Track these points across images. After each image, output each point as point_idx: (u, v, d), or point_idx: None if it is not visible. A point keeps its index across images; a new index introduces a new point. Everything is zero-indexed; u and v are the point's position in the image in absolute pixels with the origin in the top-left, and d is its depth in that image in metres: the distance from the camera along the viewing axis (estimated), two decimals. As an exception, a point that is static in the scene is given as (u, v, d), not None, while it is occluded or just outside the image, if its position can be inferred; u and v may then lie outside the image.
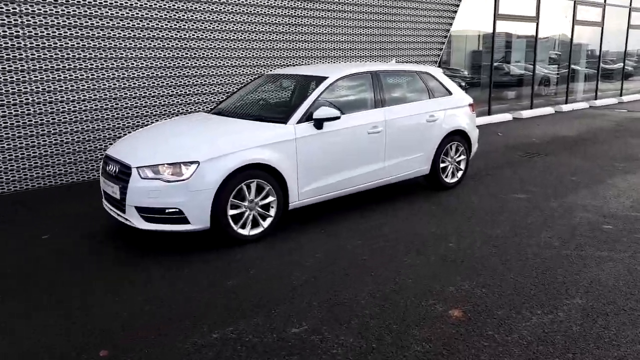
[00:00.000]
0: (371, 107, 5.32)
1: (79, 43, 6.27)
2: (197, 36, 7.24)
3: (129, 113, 6.86)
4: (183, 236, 4.51)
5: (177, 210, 4.12)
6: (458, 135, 6.11)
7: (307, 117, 4.76)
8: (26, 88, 6.00)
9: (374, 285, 3.57)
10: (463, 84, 15.74)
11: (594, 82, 16.60)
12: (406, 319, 3.11)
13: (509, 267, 3.83)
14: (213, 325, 3.08)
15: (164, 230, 4.18)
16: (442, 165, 6.01)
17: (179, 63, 7.16)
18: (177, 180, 4.10)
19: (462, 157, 6.24)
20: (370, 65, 5.58)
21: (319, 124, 4.77)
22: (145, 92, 6.95)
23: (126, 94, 6.79)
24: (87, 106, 6.48)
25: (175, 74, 7.16)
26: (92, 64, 6.42)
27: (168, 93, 7.15)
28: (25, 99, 6.01)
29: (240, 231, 4.39)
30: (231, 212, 4.30)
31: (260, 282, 3.65)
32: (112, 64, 6.59)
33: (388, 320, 3.10)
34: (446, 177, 6.10)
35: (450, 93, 6.18)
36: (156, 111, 7.10)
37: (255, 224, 4.50)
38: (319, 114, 4.71)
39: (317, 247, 4.29)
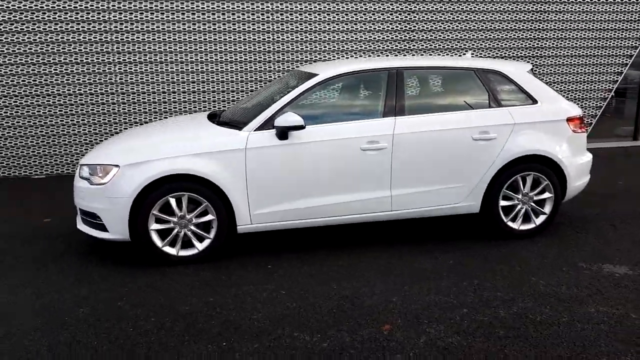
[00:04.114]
0: (377, 116, 4.00)
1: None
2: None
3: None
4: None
5: (97, 215, 3.79)
6: (537, 163, 4.18)
7: (273, 124, 3.83)
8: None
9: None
10: None
11: None
12: None
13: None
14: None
15: (95, 236, 3.90)
16: (503, 203, 4.20)
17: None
18: (99, 184, 3.75)
19: (547, 195, 4.25)
20: (393, 61, 4.19)
21: (281, 133, 3.78)
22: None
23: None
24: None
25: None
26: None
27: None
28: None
29: (167, 249, 3.80)
30: (155, 226, 3.75)
31: (97, 325, 3.02)
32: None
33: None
34: (512, 220, 4.24)
35: (533, 101, 4.26)
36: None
37: (189, 245, 3.85)
38: (280, 121, 3.73)
39: (231, 288, 3.39)
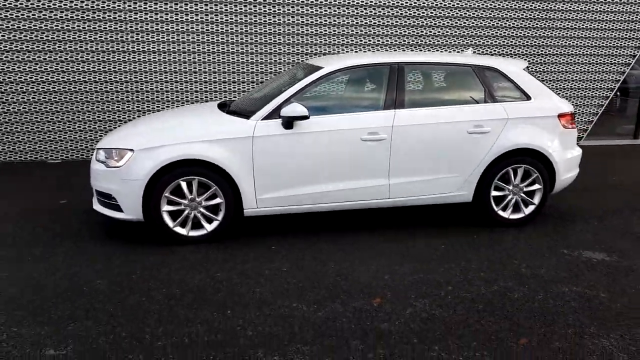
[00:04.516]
0: (378, 109, 4.25)
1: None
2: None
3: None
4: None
5: (113, 196, 4.08)
6: (528, 157, 4.41)
7: (279, 114, 4.08)
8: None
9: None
10: None
11: None
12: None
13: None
14: None
15: (109, 216, 4.19)
16: (495, 193, 4.44)
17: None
18: (115, 167, 4.04)
19: (536, 186, 4.48)
20: (394, 56, 4.43)
21: (287, 123, 4.04)
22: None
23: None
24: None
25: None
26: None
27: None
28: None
29: (178, 230, 4.09)
30: (167, 207, 4.03)
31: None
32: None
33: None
34: (502, 209, 4.49)
35: (527, 97, 4.48)
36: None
37: (198, 226, 4.13)
38: (286, 111, 3.99)
39: (236, 265, 3.67)
